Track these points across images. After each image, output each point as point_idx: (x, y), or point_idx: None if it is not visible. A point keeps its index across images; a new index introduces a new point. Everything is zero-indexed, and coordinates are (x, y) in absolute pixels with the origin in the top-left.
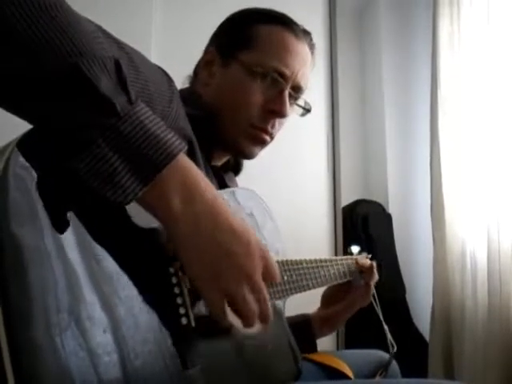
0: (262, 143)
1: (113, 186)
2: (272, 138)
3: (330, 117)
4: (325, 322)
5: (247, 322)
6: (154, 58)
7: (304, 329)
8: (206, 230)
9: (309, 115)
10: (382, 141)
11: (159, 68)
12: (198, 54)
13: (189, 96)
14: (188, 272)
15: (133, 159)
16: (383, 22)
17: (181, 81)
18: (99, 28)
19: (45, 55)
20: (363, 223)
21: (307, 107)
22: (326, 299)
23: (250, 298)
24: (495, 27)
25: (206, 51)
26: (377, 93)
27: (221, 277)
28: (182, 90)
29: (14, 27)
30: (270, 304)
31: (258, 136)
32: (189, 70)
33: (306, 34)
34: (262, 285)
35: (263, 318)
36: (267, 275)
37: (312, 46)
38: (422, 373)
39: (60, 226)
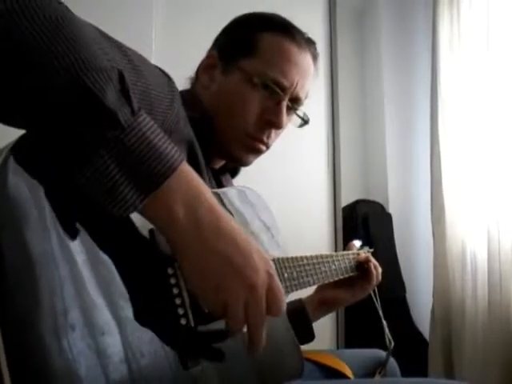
0: (257, 152)
1: (114, 199)
2: (267, 147)
3: (330, 117)
4: (320, 306)
5: (231, 329)
6: (155, 59)
7: (300, 318)
8: (208, 240)
9: (309, 115)
10: (381, 141)
11: (160, 70)
12: (199, 56)
13: (188, 98)
14: (189, 281)
15: (134, 171)
16: (383, 21)
17: (181, 82)
18: (101, 33)
19: (50, 67)
20: (363, 223)
21: (305, 118)
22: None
23: (241, 314)
24: (495, 27)
25: (208, 54)
26: (377, 93)
27: (222, 288)
28: (182, 92)
29: (20, 39)
30: (264, 333)
31: (253, 145)
32: (189, 71)
33: (310, 43)
34: (263, 304)
35: (252, 343)
36: (269, 289)
37: (315, 56)
38: (422, 372)
39: (70, 232)
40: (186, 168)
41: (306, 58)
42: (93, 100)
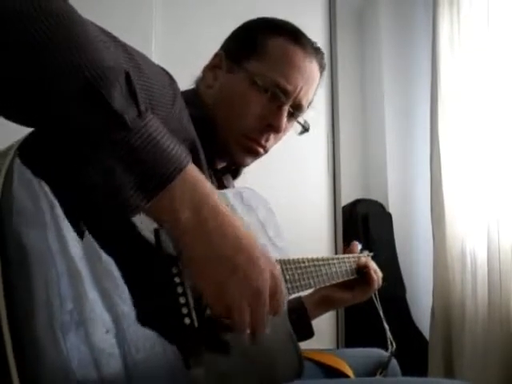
0: (255, 154)
1: (119, 200)
2: (266, 150)
3: (330, 116)
4: (319, 305)
5: (237, 331)
6: (155, 59)
7: (299, 315)
8: (212, 243)
9: (309, 115)
10: (381, 140)
11: (161, 68)
12: (199, 55)
13: (191, 97)
14: (196, 283)
15: (140, 173)
16: (383, 21)
17: (181, 81)
18: (103, 31)
19: (57, 69)
20: (363, 222)
21: (306, 126)
22: None
23: (247, 313)
24: (495, 27)
25: (215, 54)
26: (377, 93)
27: (227, 291)
28: (185, 91)
29: (26, 39)
30: (266, 321)
31: (251, 147)
32: (189, 70)
33: (318, 52)
34: (267, 307)
35: (254, 330)
36: (273, 292)
37: (322, 65)
38: (422, 372)
39: (80, 231)
40: (192, 169)
41: (311, 65)
42: (100, 101)
